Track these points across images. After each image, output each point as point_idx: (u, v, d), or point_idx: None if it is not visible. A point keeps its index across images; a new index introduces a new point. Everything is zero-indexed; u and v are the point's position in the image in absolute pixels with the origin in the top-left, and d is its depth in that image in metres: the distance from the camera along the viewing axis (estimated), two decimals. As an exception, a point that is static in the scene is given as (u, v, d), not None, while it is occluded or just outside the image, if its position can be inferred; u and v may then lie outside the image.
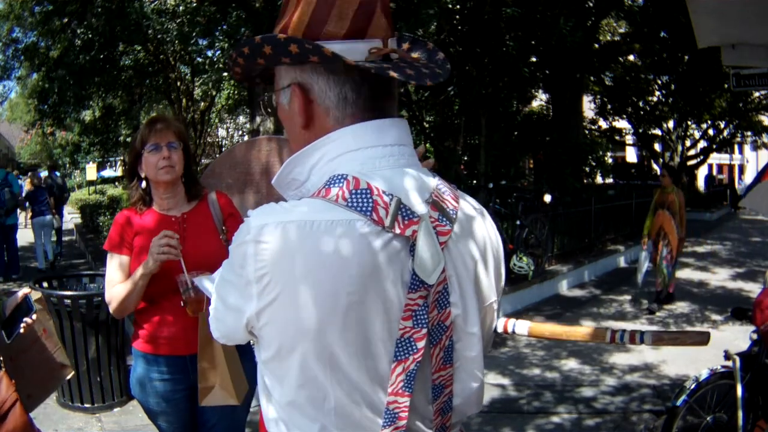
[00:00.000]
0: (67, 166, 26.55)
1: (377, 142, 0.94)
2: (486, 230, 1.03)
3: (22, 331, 2.00)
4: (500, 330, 3.75)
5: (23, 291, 2.08)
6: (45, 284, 4.58)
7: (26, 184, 10.06)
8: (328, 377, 0.88)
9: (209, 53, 12.12)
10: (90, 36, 10.35)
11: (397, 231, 0.88)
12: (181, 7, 8.54)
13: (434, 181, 0.99)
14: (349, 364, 0.87)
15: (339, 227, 0.86)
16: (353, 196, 0.88)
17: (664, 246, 6.84)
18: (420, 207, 0.92)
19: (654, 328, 6.18)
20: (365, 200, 0.88)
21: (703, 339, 3.12)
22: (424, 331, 0.89)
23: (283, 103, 1.00)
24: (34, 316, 2.05)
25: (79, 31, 10.53)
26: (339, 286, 0.86)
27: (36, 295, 2.21)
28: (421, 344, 0.89)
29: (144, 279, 2.04)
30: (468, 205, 1.02)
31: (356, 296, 0.86)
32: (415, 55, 1.02)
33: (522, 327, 3.71)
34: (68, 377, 2.32)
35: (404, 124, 0.99)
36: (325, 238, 0.86)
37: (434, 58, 1.02)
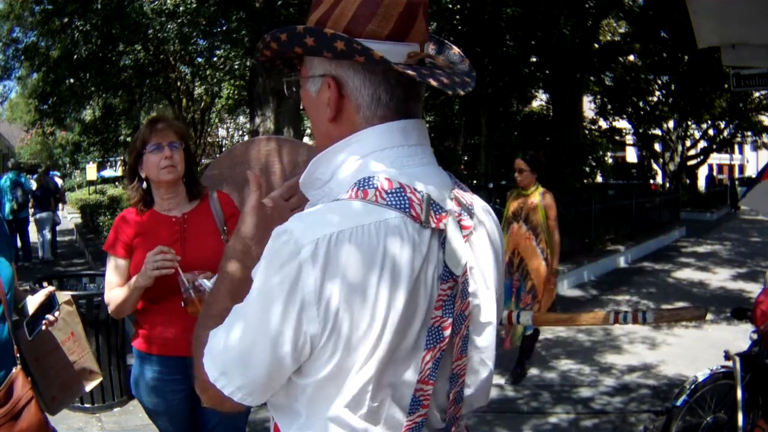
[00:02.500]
0: (67, 166, 26.54)
1: (402, 142, 0.96)
2: (493, 225, 1.07)
3: (43, 327, 2.00)
4: (505, 321, 3.70)
5: (48, 289, 2.08)
6: (45, 284, 4.57)
7: (33, 184, 11.17)
8: (381, 379, 0.89)
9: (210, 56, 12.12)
10: (88, 30, 10.36)
11: (433, 225, 0.92)
12: (181, 8, 8.53)
13: (451, 180, 1.03)
14: (399, 360, 0.90)
15: (386, 228, 0.88)
16: (390, 196, 0.90)
17: (521, 281, 4.66)
18: (446, 202, 0.96)
19: (651, 327, 6.18)
20: (402, 198, 0.90)
21: (701, 314, 3.17)
22: (450, 320, 0.93)
23: (310, 91, 1.00)
24: (57, 314, 2.05)
25: (78, 24, 10.53)
26: (397, 285, 0.88)
27: (65, 296, 2.20)
28: (447, 333, 0.93)
29: (139, 290, 2.06)
30: (478, 201, 1.06)
31: (410, 294, 0.89)
32: (440, 58, 1.04)
33: (526, 316, 3.73)
34: (96, 383, 2.32)
35: (424, 125, 1.02)
36: (377, 241, 0.87)
37: (460, 64, 1.05)
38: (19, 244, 10.10)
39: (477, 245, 1.00)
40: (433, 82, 0.93)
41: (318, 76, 0.98)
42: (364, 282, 0.86)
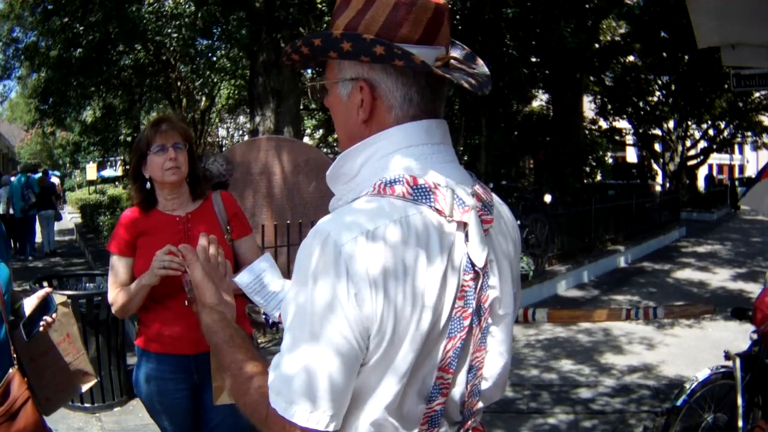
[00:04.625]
0: (67, 166, 26.55)
1: (427, 140, 1.00)
2: (511, 223, 1.11)
3: (41, 329, 2.00)
4: (521, 319, 3.72)
5: (45, 290, 2.08)
6: (45, 284, 4.57)
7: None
8: (414, 369, 0.91)
9: (210, 55, 12.12)
10: (86, 30, 10.36)
11: (457, 218, 0.95)
12: (178, 9, 8.51)
13: (472, 177, 1.07)
14: (428, 351, 0.92)
15: (415, 222, 0.92)
16: (416, 191, 0.94)
17: None
18: (468, 197, 0.99)
19: (651, 327, 6.19)
20: (427, 193, 0.94)
21: (709, 309, 3.20)
22: (470, 310, 0.95)
23: (341, 94, 1.02)
24: (54, 315, 2.05)
25: (77, 29, 10.54)
26: (430, 276, 0.91)
27: (61, 298, 2.20)
28: (466, 322, 0.95)
29: (145, 289, 2.05)
30: (497, 199, 1.09)
31: (441, 284, 0.92)
32: (461, 59, 1.08)
33: (541, 313, 3.78)
34: (90, 385, 2.32)
35: (446, 125, 1.05)
36: (408, 235, 0.90)
37: (473, 63, 1.09)
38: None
39: (497, 239, 1.04)
40: (465, 84, 0.99)
41: (349, 80, 1.00)
42: (401, 274, 0.89)
